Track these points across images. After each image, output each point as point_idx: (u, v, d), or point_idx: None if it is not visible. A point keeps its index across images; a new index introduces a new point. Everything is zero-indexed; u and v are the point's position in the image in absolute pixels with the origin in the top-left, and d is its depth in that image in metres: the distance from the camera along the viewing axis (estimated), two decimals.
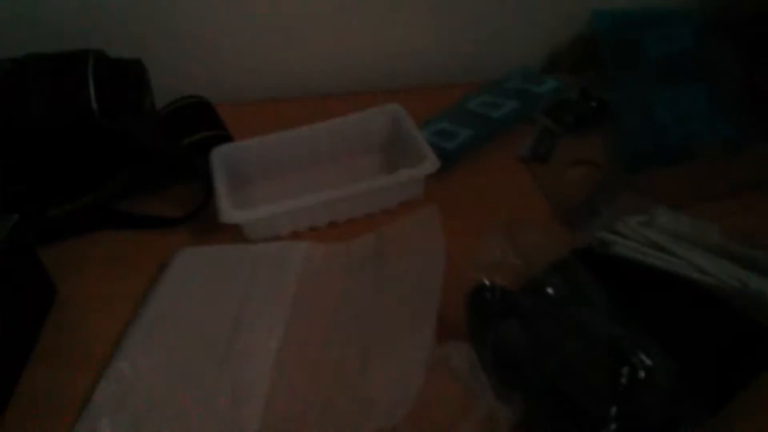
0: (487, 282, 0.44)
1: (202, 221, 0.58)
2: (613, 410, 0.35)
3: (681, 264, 0.47)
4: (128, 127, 0.56)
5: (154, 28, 0.70)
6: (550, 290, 0.43)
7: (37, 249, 0.50)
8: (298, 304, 0.49)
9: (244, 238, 0.56)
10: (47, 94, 0.56)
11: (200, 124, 0.64)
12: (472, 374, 0.41)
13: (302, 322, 0.47)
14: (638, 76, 0.71)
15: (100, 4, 0.67)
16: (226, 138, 0.63)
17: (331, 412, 0.41)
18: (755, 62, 0.71)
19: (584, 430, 0.36)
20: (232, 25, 0.72)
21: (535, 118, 0.69)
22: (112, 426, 0.41)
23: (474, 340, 0.43)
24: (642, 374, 0.37)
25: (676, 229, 0.50)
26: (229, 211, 0.53)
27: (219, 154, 0.59)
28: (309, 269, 0.52)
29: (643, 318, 0.39)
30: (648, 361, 0.37)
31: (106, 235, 0.57)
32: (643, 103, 0.68)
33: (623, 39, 0.74)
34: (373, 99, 0.65)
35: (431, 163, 0.57)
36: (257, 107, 0.74)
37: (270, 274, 0.51)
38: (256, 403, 0.42)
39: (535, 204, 0.60)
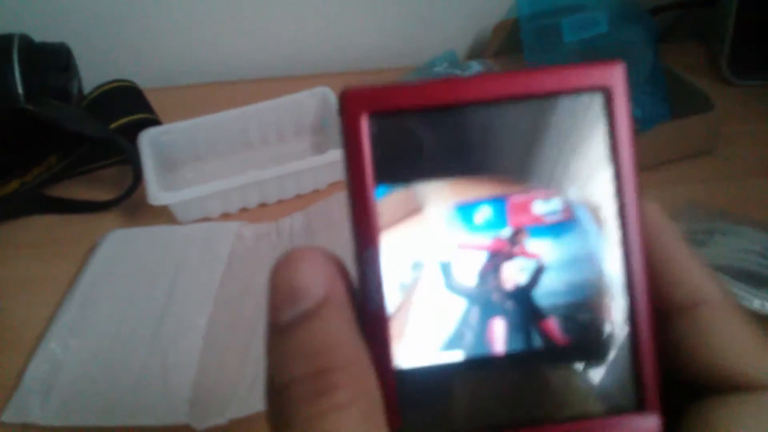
0: None
1: (132, 205, 0.58)
2: None
3: None
4: (55, 112, 0.56)
5: (80, 12, 0.69)
6: None
7: None
8: (227, 283, 0.50)
9: (175, 221, 0.56)
10: None
11: (128, 108, 0.63)
12: None
13: (231, 300, 0.48)
14: (557, 59, 0.75)
15: None
16: (155, 122, 0.63)
17: (259, 386, 0.42)
18: (663, 47, 0.77)
19: None
20: (160, 7, 0.71)
21: None
22: (42, 407, 0.41)
23: None
24: None
25: None
26: (157, 193, 0.53)
27: (147, 137, 0.59)
28: (239, 248, 0.53)
29: None
30: None
31: (35, 219, 0.57)
32: None
33: (544, 25, 0.78)
34: (303, 83, 0.66)
35: None
36: (186, 91, 0.74)
37: (200, 254, 0.51)
38: (186, 380, 0.43)
39: None
